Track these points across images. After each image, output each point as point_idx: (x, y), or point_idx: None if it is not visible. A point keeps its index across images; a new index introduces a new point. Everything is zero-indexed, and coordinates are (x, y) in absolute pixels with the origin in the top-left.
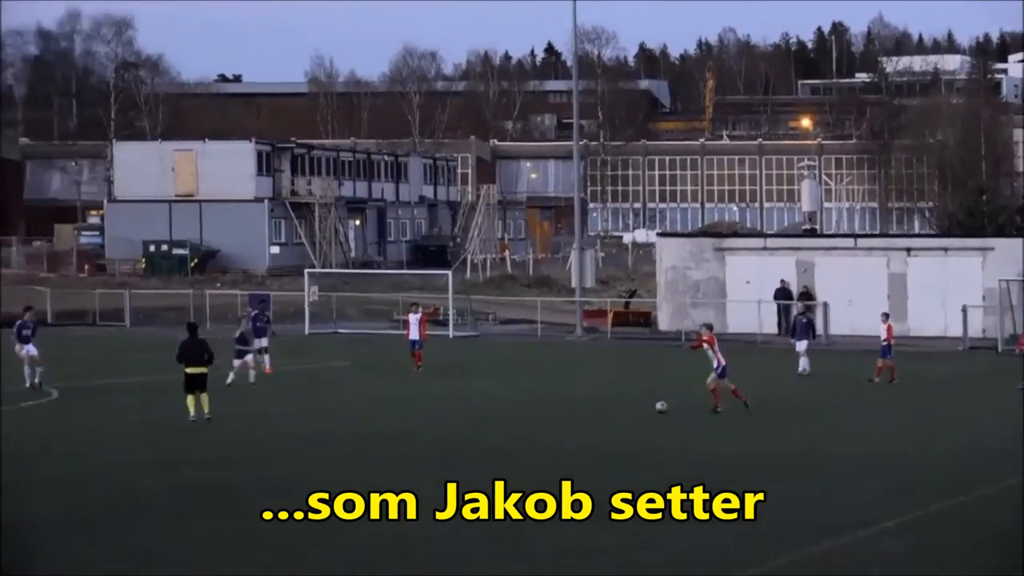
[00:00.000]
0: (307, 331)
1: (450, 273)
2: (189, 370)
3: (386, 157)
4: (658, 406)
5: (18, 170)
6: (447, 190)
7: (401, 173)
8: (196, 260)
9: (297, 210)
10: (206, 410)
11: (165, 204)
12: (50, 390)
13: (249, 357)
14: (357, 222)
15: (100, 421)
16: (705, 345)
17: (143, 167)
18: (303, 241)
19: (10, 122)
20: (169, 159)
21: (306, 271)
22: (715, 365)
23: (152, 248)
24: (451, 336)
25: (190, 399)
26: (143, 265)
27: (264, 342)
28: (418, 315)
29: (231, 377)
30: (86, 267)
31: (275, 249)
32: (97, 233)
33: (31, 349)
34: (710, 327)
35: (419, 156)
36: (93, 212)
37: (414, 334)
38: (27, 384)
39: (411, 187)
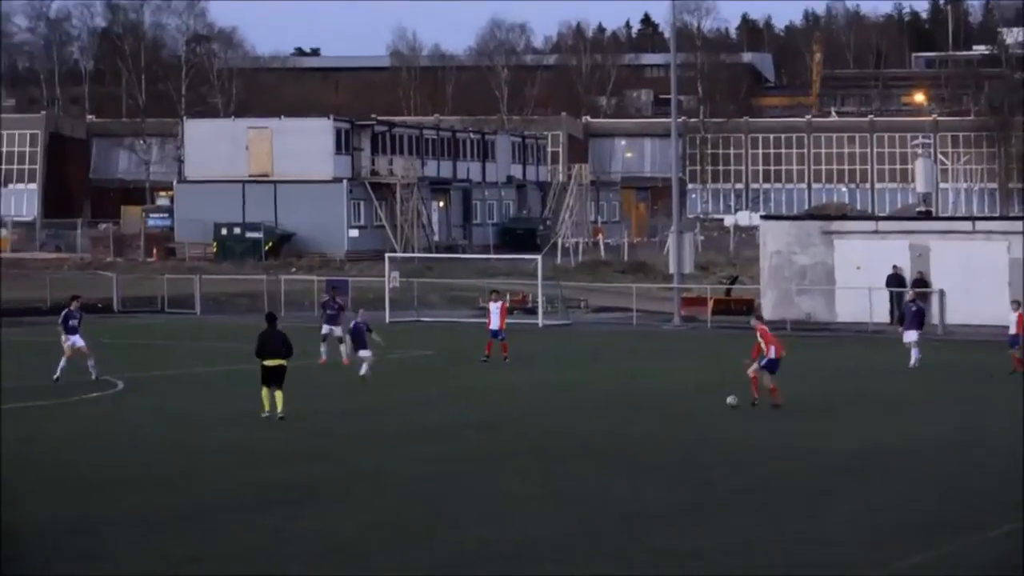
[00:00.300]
0: (387, 319)
1: (539, 258)
2: (267, 362)
3: (472, 135)
4: (729, 400)
5: (84, 149)
6: (536, 170)
7: (488, 152)
8: (270, 244)
9: (377, 191)
10: (279, 408)
11: (238, 185)
12: (115, 381)
13: (366, 352)
14: (441, 204)
15: (166, 414)
16: (757, 335)
17: (215, 146)
18: (383, 224)
19: (75, 98)
20: (242, 137)
21: (386, 256)
22: (764, 356)
23: (224, 231)
24: (540, 325)
25: (265, 392)
26: (214, 249)
27: (338, 331)
28: (499, 304)
29: (364, 368)
30: (154, 251)
31: (354, 232)
32: (166, 215)
33: (78, 340)
34: (760, 318)
35: (507, 134)
36: (162, 193)
37: (495, 324)
38: (54, 376)
39: (498, 167)
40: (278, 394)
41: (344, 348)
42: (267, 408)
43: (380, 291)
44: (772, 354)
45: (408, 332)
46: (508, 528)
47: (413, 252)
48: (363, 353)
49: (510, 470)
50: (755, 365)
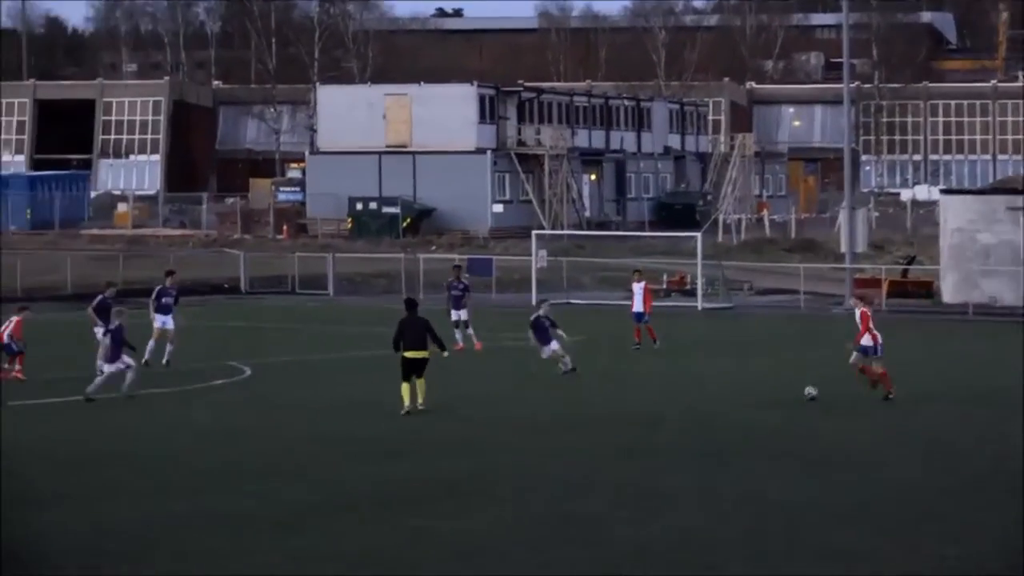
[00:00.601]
0: (534, 301)
1: (699, 236)
2: (408, 354)
3: (626, 102)
4: (808, 391)
5: (210, 118)
6: (696, 140)
7: (643, 120)
8: (409, 220)
9: (524, 163)
10: (421, 400)
11: (374, 156)
12: (242, 367)
13: (555, 345)
14: (592, 177)
15: (295, 403)
16: (858, 320)
17: (350, 114)
18: (531, 198)
19: (201, 63)
20: (379, 105)
21: (534, 233)
22: (868, 344)
23: (359, 206)
24: (700, 308)
25: (405, 388)
26: (349, 226)
27: (463, 314)
28: (642, 284)
29: (565, 359)
30: (284, 228)
31: (498, 208)
32: (297, 189)
33: (168, 322)
34: (866, 300)
35: (664, 101)
36: (293, 165)
37: (638, 306)
38: (142, 360)
39: (655, 136)
40: (420, 383)
41: (472, 333)
42: (407, 403)
43: (526, 271)
44: (866, 341)
45: (557, 316)
46: (677, 522)
47: (562, 229)
48: (551, 347)
49: (664, 464)
50: (856, 356)
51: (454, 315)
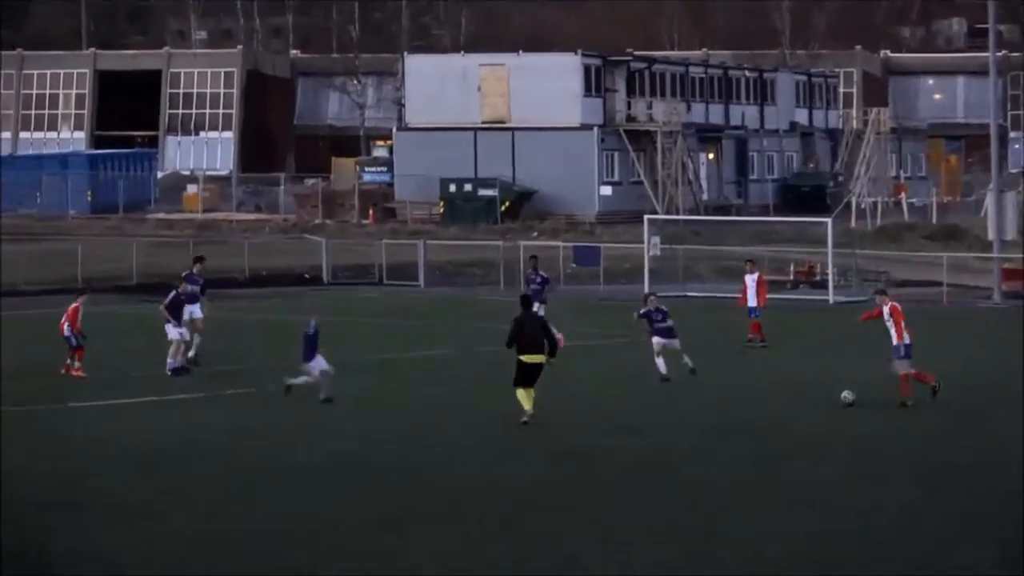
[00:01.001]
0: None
1: (829, 221)
2: (525, 358)
3: (747, 73)
4: (844, 396)
5: (287, 90)
6: (825, 115)
7: (767, 93)
8: (507, 203)
9: (634, 140)
10: (528, 407)
11: (469, 133)
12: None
13: (669, 340)
14: (711, 155)
15: (383, 401)
16: (886, 316)
17: (441, 86)
18: (642, 179)
19: (278, 30)
20: (474, 76)
21: (646, 217)
22: (895, 343)
23: (452, 188)
24: (831, 301)
25: (522, 393)
26: (441, 209)
27: (541, 309)
28: (755, 275)
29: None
30: (371, 211)
31: (606, 190)
32: (384, 169)
33: (196, 311)
34: (883, 291)
35: (790, 72)
36: (379, 143)
37: (751, 300)
38: (190, 356)
39: (779, 111)
40: (530, 392)
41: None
42: (528, 410)
43: (638, 260)
44: (907, 339)
45: (671, 309)
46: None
47: (677, 213)
48: (665, 341)
49: (778, 472)
50: (900, 363)
51: (536, 307)
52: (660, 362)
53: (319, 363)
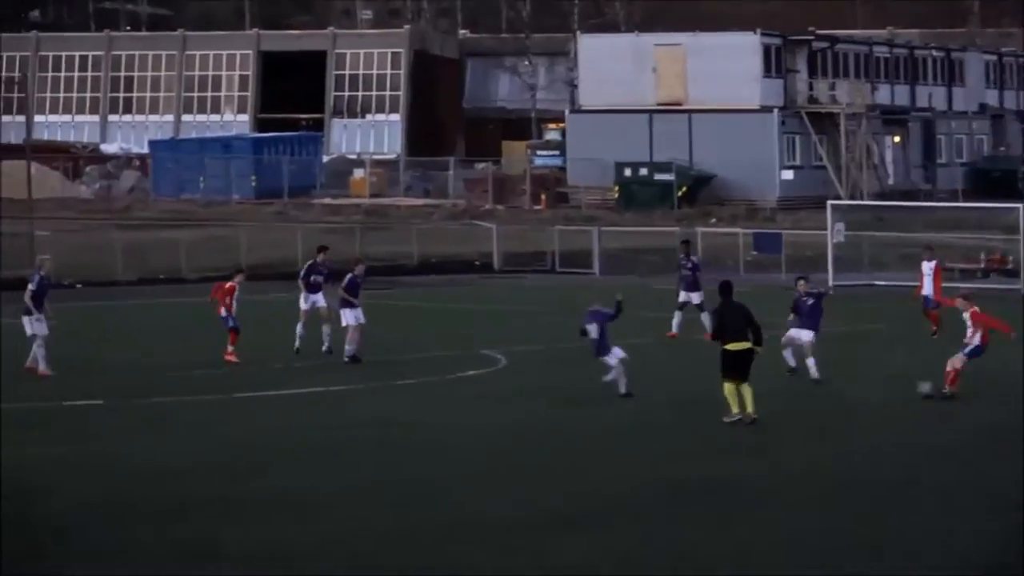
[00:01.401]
0: (831, 282)
1: (1021, 207)
2: (730, 346)
3: (935, 52)
4: (921, 388)
5: (456, 71)
6: (1017, 96)
7: (955, 74)
8: (685, 188)
9: (817, 123)
10: (750, 408)
11: (644, 115)
12: (496, 356)
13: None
14: (896, 139)
15: (559, 398)
16: (965, 317)
17: (615, 67)
18: (824, 164)
19: (446, 9)
20: (648, 56)
21: (828, 203)
22: (971, 343)
23: (627, 172)
24: None
25: (729, 388)
26: (615, 194)
27: (695, 297)
28: (932, 263)
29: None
30: (542, 197)
31: (787, 174)
32: (556, 152)
33: (320, 300)
34: (967, 297)
35: (979, 51)
36: (551, 125)
37: (927, 288)
38: (295, 347)
39: (968, 92)
40: (746, 389)
41: (704, 317)
42: (735, 410)
43: (821, 248)
44: (978, 340)
45: (855, 299)
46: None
47: (861, 199)
48: (806, 337)
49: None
50: (960, 358)
51: (683, 296)
52: (787, 355)
53: (616, 353)
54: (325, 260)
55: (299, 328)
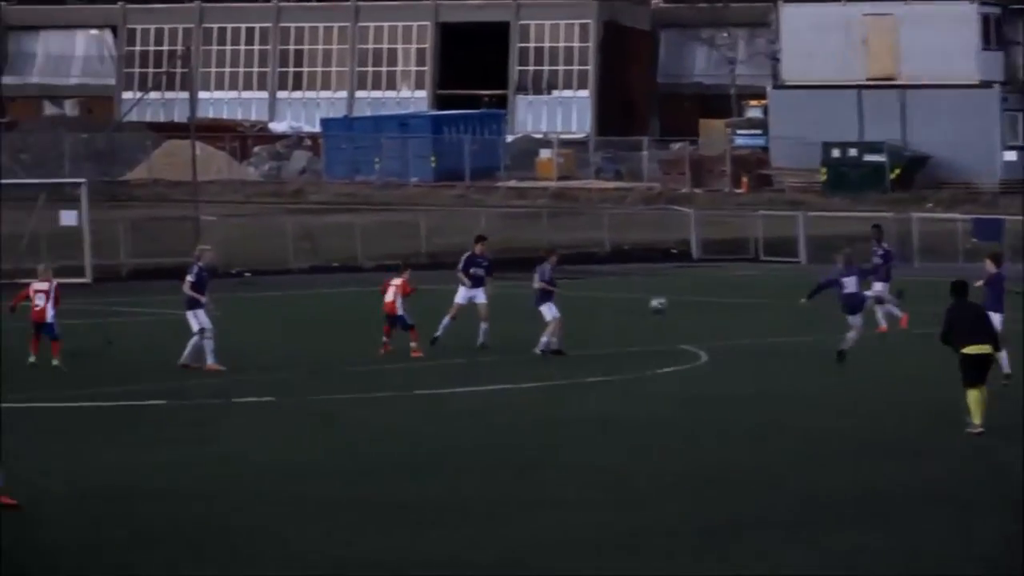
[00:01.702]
0: None
1: None
2: (968, 349)
3: None
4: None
5: (649, 44)
6: None
7: None
8: (899, 170)
9: None
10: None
11: (852, 91)
12: (697, 351)
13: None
14: None
15: (765, 397)
16: None
17: (821, 39)
18: None
19: None
20: (857, 27)
21: None
22: None
23: (835, 153)
24: None
25: (972, 395)
26: (823, 177)
27: (880, 289)
28: None
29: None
30: (743, 179)
31: (1010, 155)
32: (758, 132)
33: (479, 295)
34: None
35: None
36: (752, 102)
37: None
38: (434, 335)
39: None
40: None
41: (895, 309)
42: (977, 422)
43: None
44: None
45: None
46: None
47: None
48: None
49: None
50: None
51: (877, 288)
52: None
53: (856, 320)
54: (484, 251)
55: (446, 320)
